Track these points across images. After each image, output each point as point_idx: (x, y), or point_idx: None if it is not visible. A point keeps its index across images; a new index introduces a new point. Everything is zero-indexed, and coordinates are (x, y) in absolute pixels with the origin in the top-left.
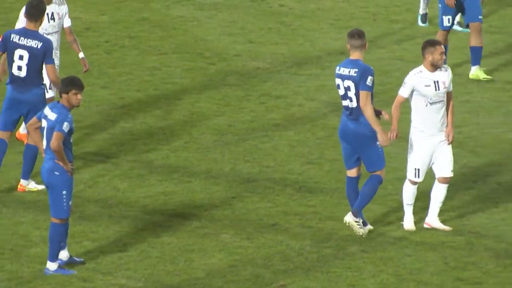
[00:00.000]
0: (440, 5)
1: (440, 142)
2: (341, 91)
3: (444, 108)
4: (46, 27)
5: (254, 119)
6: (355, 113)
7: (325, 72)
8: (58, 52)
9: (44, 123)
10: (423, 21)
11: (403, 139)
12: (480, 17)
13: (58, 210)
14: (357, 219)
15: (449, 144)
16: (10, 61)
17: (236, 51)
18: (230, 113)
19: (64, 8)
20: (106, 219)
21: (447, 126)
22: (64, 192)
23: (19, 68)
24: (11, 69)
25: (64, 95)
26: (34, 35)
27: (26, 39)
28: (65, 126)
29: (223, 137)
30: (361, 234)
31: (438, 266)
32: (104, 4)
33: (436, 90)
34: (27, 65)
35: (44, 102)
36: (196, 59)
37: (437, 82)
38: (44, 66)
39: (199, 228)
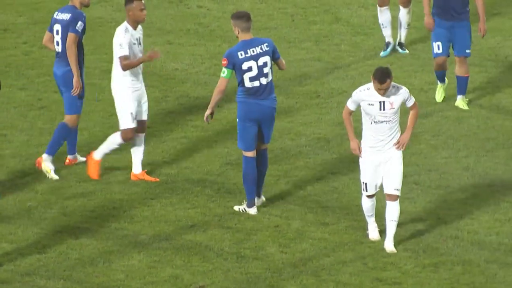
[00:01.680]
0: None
1: (388, 159)
2: (254, 72)
3: (395, 127)
4: None
5: (172, 121)
6: (268, 89)
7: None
8: None
9: None
10: (391, 49)
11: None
12: (468, 51)
13: None
14: (262, 199)
15: (397, 148)
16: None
17: None
18: (148, 114)
19: None
20: (25, 220)
21: (402, 134)
22: None
23: None
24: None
25: None
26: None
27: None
28: None
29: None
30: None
31: (357, 267)
32: (22, 5)
33: (380, 110)
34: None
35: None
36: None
37: (383, 102)
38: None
39: (118, 229)
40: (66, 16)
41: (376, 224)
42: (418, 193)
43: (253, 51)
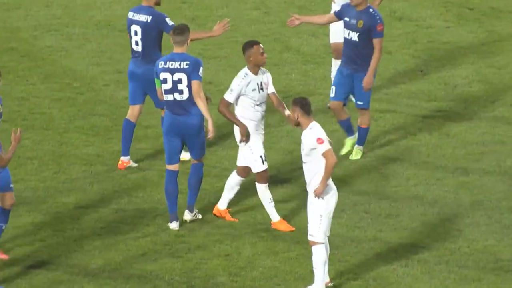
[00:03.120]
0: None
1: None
2: (168, 85)
3: (312, 169)
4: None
5: None
6: (186, 105)
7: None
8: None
9: None
10: None
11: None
12: (360, 103)
13: None
14: (195, 212)
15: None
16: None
17: (105, 81)
18: (99, 143)
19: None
20: None
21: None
22: None
23: None
24: None
25: None
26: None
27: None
28: None
29: (92, 168)
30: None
31: None
32: None
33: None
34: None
35: None
36: (64, 89)
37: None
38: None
39: (68, 258)
40: (145, 18)
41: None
42: (368, 221)
43: (172, 65)
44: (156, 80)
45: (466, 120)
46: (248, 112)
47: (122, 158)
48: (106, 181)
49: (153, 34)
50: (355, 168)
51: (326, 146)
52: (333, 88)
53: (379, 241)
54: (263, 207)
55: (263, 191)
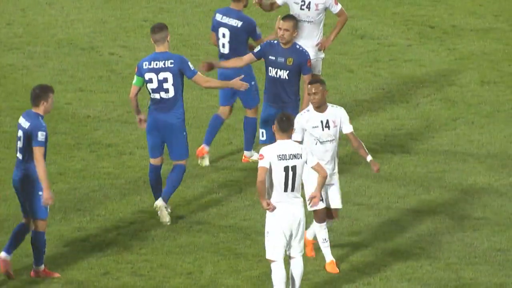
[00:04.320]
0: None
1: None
2: (154, 85)
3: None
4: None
5: (85, 168)
6: (169, 104)
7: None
8: None
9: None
10: None
11: None
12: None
13: None
14: (167, 205)
15: None
16: None
17: (67, 99)
18: (60, 162)
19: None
20: None
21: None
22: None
23: None
24: None
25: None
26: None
27: None
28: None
29: (54, 186)
30: (167, 220)
31: None
32: None
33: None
34: None
35: None
36: (26, 107)
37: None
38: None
39: (28, 279)
40: (235, 23)
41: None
42: (330, 239)
43: (156, 64)
44: (136, 77)
45: (428, 138)
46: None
47: (245, 153)
48: (68, 200)
49: (242, 39)
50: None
51: (260, 163)
52: (262, 131)
53: (342, 259)
54: (226, 225)
55: (318, 230)
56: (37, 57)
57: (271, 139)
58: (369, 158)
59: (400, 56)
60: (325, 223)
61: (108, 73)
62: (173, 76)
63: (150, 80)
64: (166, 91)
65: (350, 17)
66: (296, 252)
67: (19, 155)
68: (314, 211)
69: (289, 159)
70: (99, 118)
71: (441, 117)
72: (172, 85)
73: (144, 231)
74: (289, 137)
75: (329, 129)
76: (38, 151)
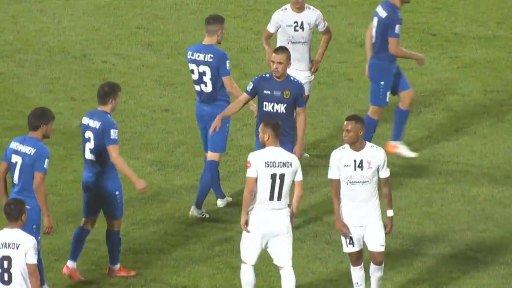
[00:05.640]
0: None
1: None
2: (195, 76)
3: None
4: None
5: (77, 179)
6: (210, 97)
7: (149, 130)
8: None
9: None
10: None
11: None
12: None
13: None
14: (201, 211)
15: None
16: None
17: (58, 109)
18: (52, 173)
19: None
20: None
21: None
22: None
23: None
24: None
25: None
26: None
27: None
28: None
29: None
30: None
31: None
32: None
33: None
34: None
35: None
36: (17, 117)
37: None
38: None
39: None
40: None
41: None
42: (329, 253)
43: (198, 56)
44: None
45: (430, 149)
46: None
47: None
48: (60, 212)
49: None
50: (316, 198)
51: (249, 172)
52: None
53: (340, 273)
54: (222, 239)
55: (352, 272)
56: (28, 65)
57: None
58: (390, 213)
59: (400, 64)
60: (358, 266)
61: (101, 81)
62: (211, 70)
63: (192, 71)
64: (205, 84)
65: (350, 24)
66: (284, 262)
67: (91, 157)
68: (348, 253)
69: (277, 166)
70: None
71: (443, 127)
72: (210, 79)
73: (138, 244)
74: (278, 144)
75: (362, 169)
76: (113, 149)
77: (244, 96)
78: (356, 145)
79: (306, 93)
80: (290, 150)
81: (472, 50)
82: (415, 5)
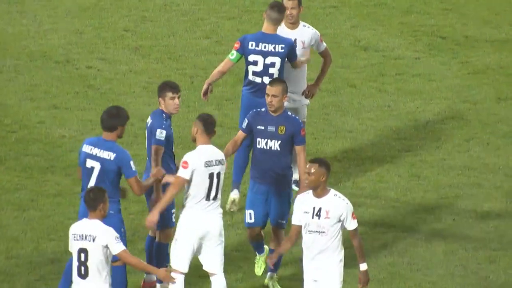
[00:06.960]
0: None
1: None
2: (259, 68)
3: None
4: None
5: (59, 193)
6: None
7: (137, 140)
8: None
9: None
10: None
11: None
12: (283, 221)
13: None
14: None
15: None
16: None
17: (39, 118)
18: (32, 186)
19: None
20: None
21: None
22: None
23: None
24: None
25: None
26: None
27: None
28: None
29: (25, 213)
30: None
31: None
32: None
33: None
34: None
35: None
36: None
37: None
38: None
39: None
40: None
41: None
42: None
43: (265, 47)
44: (236, 53)
45: (439, 161)
46: None
47: None
48: (41, 229)
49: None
50: None
51: (183, 172)
52: (250, 213)
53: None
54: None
55: None
56: (6, 70)
57: (258, 222)
58: (363, 266)
59: (407, 69)
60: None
61: (85, 88)
62: (281, 61)
63: (255, 63)
64: (271, 76)
65: (353, 26)
66: (215, 268)
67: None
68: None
69: (214, 165)
70: (75, 138)
71: (453, 137)
72: (278, 70)
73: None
74: (210, 142)
75: (319, 218)
76: (153, 150)
77: (240, 133)
78: (317, 191)
79: (302, 119)
80: (288, 195)
81: (484, 55)
82: (423, 6)
